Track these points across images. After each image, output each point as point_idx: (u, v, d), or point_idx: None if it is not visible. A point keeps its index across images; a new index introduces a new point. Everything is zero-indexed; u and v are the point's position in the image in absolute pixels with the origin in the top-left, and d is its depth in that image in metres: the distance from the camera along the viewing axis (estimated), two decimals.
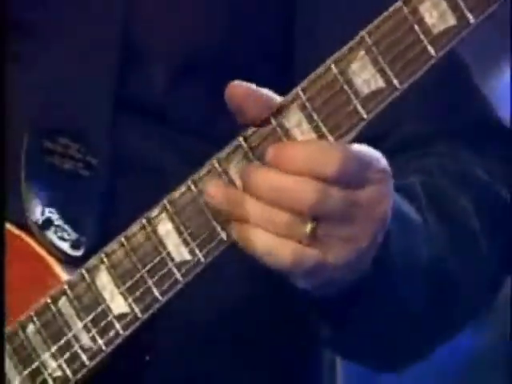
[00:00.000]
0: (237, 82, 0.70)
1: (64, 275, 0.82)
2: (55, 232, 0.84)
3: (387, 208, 0.72)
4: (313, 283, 0.72)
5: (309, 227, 0.68)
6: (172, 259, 0.75)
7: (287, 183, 0.68)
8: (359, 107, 0.70)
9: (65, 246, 0.84)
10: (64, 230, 0.84)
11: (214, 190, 0.71)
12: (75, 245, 0.84)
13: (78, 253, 0.84)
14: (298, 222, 0.68)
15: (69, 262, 0.83)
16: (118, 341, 0.77)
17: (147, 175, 0.91)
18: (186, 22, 0.93)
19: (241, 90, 0.69)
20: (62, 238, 0.84)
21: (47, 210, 0.84)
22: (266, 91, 0.71)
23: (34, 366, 0.79)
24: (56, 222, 0.84)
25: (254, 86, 0.70)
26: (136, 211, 0.79)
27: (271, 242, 0.68)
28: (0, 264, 0.79)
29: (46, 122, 0.88)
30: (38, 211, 0.84)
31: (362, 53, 0.70)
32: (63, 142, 0.86)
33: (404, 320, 0.82)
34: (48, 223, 0.84)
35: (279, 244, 0.68)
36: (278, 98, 0.71)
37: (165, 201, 0.75)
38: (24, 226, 0.84)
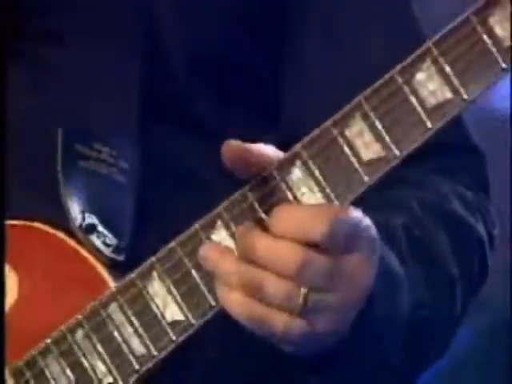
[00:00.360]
0: (231, 142, 0.70)
1: (110, 280, 0.82)
2: (98, 237, 0.84)
3: (371, 276, 0.71)
4: (298, 349, 0.72)
5: (301, 298, 0.67)
6: None
7: (275, 248, 0.68)
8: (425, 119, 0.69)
9: (108, 251, 0.84)
10: (105, 235, 0.84)
11: (207, 253, 0.71)
12: (117, 250, 0.84)
13: (120, 257, 0.84)
14: (291, 292, 0.67)
15: (112, 266, 0.83)
16: (171, 347, 0.76)
17: (177, 181, 0.92)
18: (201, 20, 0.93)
19: (234, 149, 0.70)
20: (104, 243, 0.84)
21: (87, 214, 0.84)
22: (260, 147, 0.72)
23: (82, 371, 0.79)
24: (98, 227, 0.84)
25: (246, 145, 0.70)
26: (166, 218, 0.83)
27: (261, 312, 0.68)
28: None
29: (78, 127, 0.88)
30: (79, 216, 0.84)
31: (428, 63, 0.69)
32: (96, 147, 0.86)
33: (382, 370, 0.82)
34: (91, 228, 0.84)
35: (270, 315, 0.68)
36: (272, 153, 0.72)
37: (220, 208, 0.74)
38: (64, 229, 0.84)
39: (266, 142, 0.76)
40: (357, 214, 0.69)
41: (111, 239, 0.84)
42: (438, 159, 0.93)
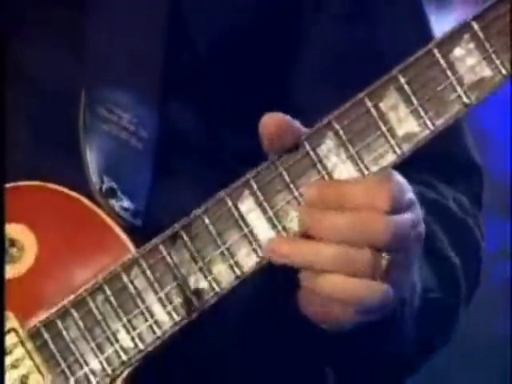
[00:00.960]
0: (271, 114, 0.70)
1: (130, 244, 0.81)
2: (117, 201, 0.83)
3: (424, 227, 0.74)
4: (376, 316, 0.72)
5: (385, 261, 0.69)
6: (254, 236, 0.74)
7: (359, 221, 0.69)
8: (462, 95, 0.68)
9: (127, 215, 0.83)
10: (123, 200, 0.83)
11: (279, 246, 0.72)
12: (134, 214, 0.84)
13: (138, 222, 0.84)
14: (376, 260, 0.68)
15: (130, 231, 0.82)
16: (195, 315, 0.76)
17: (191, 155, 0.92)
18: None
19: (276, 120, 0.70)
20: (122, 208, 0.83)
21: (106, 178, 0.83)
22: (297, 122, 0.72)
23: (102, 336, 0.78)
24: (117, 191, 0.83)
25: (288, 117, 0.71)
26: (181, 186, 0.86)
27: (345, 280, 0.69)
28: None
29: (101, 91, 0.87)
30: (99, 179, 0.83)
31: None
32: (118, 112, 0.86)
33: (396, 356, 0.84)
34: (111, 192, 0.83)
35: (353, 281, 0.69)
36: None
37: (247, 177, 0.74)
38: (83, 192, 0.83)
39: None
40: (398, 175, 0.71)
41: (129, 204, 0.83)
42: (437, 168, 0.95)
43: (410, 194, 0.72)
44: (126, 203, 0.83)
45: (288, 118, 0.71)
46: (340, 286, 0.69)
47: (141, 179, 0.86)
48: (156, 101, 0.88)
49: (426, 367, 0.94)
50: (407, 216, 0.70)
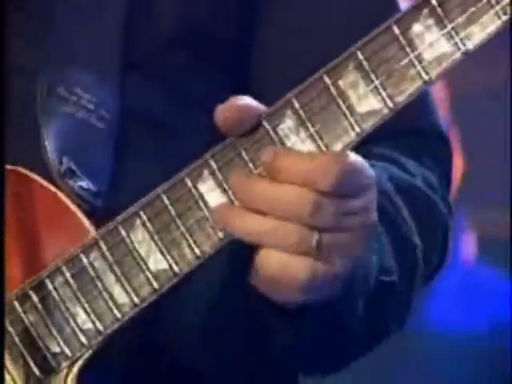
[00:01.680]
0: (225, 104, 0.69)
1: (90, 226, 0.80)
2: (76, 181, 0.82)
3: (376, 214, 0.73)
4: (320, 295, 0.72)
5: (314, 240, 0.68)
6: None
7: (284, 194, 0.68)
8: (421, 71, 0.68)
9: (87, 196, 0.82)
10: (82, 180, 0.83)
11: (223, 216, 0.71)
12: (94, 195, 0.83)
13: (98, 203, 0.83)
14: (304, 236, 0.68)
15: (90, 212, 0.82)
16: (153, 297, 0.75)
17: (153, 133, 0.92)
18: None
19: (231, 110, 0.70)
20: (82, 188, 0.82)
21: (65, 159, 0.82)
22: (248, 101, 0.71)
23: (62, 318, 0.77)
24: (77, 172, 0.82)
25: (245, 102, 0.70)
26: (143, 166, 0.85)
27: (284, 260, 0.68)
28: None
29: (60, 72, 0.86)
30: (57, 159, 0.82)
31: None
32: (77, 92, 0.85)
33: (343, 334, 0.83)
34: (70, 172, 0.82)
35: (293, 261, 0.68)
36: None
37: (206, 156, 0.73)
38: (43, 174, 0.82)
39: None
40: (356, 156, 0.70)
41: (89, 184, 0.83)
42: (404, 142, 0.94)
43: (364, 179, 0.70)
44: (86, 184, 0.82)
45: (245, 102, 0.70)
46: (278, 262, 0.68)
47: (101, 159, 0.85)
48: (116, 80, 0.87)
49: None
50: (353, 201, 0.69)
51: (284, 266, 0.68)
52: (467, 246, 3.71)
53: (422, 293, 0.94)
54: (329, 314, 0.76)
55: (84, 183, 0.82)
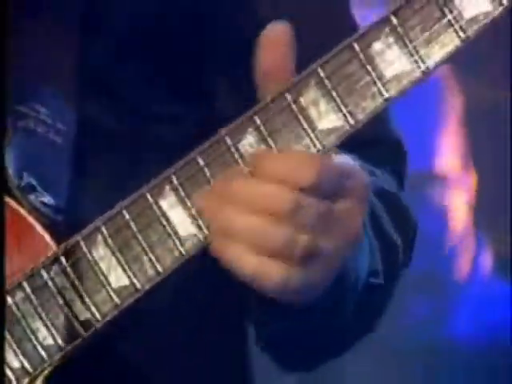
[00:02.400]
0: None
1: (50, 240, 0.79)
2: (37, 197, 0.82)
3: (361, 224, 0.72)
4: (296, 298, 0.71)
5: (293, 241, 0.66)
6: (176, 233, 0.72)
7: (264, 190, 0.67)
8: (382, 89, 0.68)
9: (48, 211, 0.82)
10: (43, 195, 0.82)
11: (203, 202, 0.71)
12: (56, 210, 0.82)
13: (59, 218, 0.82)
14: (289, 239, 0.66)
15: (51, 227, 0.81)
16: (115, 312, 0.75)
17: (108, 146, 0.92)
18: None
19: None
20: (42, 203, 0.82)
21: (25, 174, 0.82)
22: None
23: (23, 333, 0.77)
24: (37, 187, 0.82)
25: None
26: (103, 181, 0.87)
27: (261, 262, 0.67)
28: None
29: (16, 86, 0.85)
30: (17, 176, 0.82)
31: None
32: (35, 107, 0.84)
33: (330, 332, 0.84)
34: (30, 188, 0.82)
35: (269, 265, 0.67)
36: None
37: (168, 172, 0.72)
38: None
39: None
40: (348, 161, 0.70)
41: (50, 200, 0.82)
42: (367, 153, 0.92)
43: (349, 182, 0.69)
44: (47, 199, 0.82)
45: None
46: (252, 262, 0.67)
47: (61, 174, 0.84)
48: (72, 94, 0.86)
49: None
50: (336, 204, 0.68)
51: (258, 266, 0.67)
52: (484, 261, 3.73)
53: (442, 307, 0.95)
54: (317, 314, 0.76)
55: (45, 198, 0.81)
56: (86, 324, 0.75)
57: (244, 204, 0.67)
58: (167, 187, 0.72)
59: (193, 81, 0.94)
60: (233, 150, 0.71)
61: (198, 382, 0.95)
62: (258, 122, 0.70)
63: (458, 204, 3.66)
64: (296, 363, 0.92)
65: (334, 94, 0.69)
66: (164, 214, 0.73)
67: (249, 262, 0.67)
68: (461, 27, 0.66)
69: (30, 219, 0.80)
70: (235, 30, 0.94)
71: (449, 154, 3.73)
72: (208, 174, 0.71)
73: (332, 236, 0.69)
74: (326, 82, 0.69)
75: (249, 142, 0.70)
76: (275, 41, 0.68)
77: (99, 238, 0.74)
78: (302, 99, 0.69)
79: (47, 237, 0.79)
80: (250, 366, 1.01)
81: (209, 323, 0.95)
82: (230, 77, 0.94)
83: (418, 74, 0.68)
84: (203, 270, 0.81)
